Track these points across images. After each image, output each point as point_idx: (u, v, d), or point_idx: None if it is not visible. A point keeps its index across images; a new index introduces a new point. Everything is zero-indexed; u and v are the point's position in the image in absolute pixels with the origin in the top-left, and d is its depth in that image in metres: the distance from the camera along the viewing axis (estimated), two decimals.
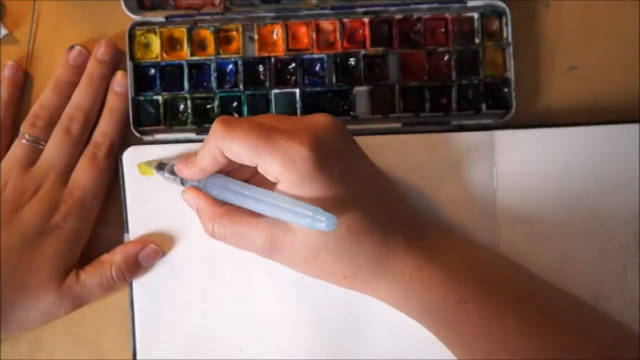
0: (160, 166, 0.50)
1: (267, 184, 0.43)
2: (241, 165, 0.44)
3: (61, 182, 0.51)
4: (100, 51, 0.53)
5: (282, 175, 0.41)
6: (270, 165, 0.41)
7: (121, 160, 0.52)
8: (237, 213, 0.45)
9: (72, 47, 0.54)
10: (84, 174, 0.51)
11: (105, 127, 0.53)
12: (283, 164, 0.41)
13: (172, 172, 0.49)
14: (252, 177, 0.47)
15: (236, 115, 0.53)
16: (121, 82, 0.53)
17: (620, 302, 0.50)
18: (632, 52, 0.55)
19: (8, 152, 0.52)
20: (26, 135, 0.52)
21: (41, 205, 0.50)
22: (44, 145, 0.52)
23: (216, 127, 0.42)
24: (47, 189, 0.51)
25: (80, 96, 0.53)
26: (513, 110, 0.52)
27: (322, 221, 0.39)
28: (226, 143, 0.42)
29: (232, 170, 0.47)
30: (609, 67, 0.55)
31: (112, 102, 0.53)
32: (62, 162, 0.51)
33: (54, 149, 0.51)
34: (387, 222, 0.44)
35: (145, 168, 0.52)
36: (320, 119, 0.44)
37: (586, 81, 0.55)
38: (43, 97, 0.53)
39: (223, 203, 0.46)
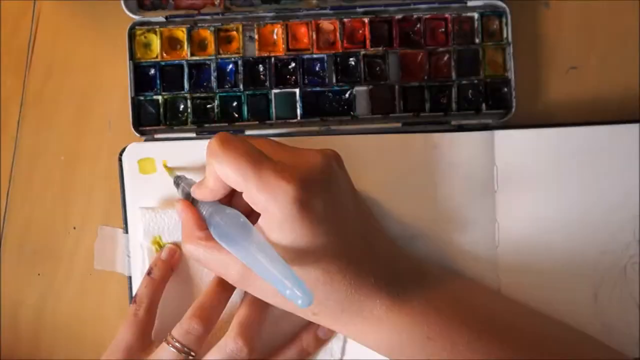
0: (177, 181, 0.49)
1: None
2: None
3: None
4: (317, 340, 0.51)
5: (265, 211, 0.41)
6: (255, 197, 0.41)
7: (121, 159, 0.52)
8: (213, 241, 0.44)
9: None
10: None
11: None
12: (268, 200, 0.41)
13: (185, 191, 0.48)
14: None
15: (236, 116, 0.54)
16: (327, 331, 0.51)
17: (620, 302, 0.50)
18: (632, 52, 0.55)
19: (152, 354, 0.47)
20: (179, 345, 0.46)
21: None
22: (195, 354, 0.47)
23: (212, 144, 0.42)
24: None
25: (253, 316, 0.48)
26: (513, 110, 0.52)
27: (299, 297, 0.39)
28: (218, 163, 0.41)
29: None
30: (609, 67, 0.55)
31: (309, 345, 0.50)
32: None
33: None
34: (362, 263, 0.44)
35: (146, 166, 0.52)
36: (314, 159, 0.43)
37: (586, 81, 0.55)
38: (205, 301, 0.48)
39: (205, 226, 0.46)
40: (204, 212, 0.45)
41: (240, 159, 0.41)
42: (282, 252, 0.41)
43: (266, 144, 0.44)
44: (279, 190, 0.40)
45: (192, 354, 0.46)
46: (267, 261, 0.40)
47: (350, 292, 0.43)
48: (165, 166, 0.51)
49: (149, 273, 0.50)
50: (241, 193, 0.42)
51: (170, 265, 0.50)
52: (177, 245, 0.51)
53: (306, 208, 0.41)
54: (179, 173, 0.50)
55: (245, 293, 0.49)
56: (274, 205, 0.41)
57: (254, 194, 0.41)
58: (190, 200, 0.47)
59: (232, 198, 0.46)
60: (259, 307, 0.48)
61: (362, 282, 0.43)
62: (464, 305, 0.46)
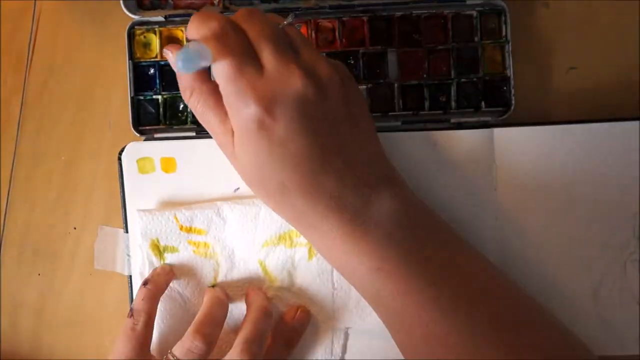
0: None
1: None
2: None
3: None
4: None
5: (231, 116, 0.43)
6: (226, 99, 0.42)
7: (120, 159, 0.52)
8: (217, 94, 0.44)
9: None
10: None
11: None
12: (233, 109, 0.42)
13: None
14: None
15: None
16: (303, 322, 0.51)
17: (619, 299, 0.50)
18: (632, 52, 0.55)
19: None
20: None
21: None
22: None
23: (211, 25, 0.42)
24: None
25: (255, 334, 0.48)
26: (512, 107, 0.52)
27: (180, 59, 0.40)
28: (210, 46, 0.41)
29: None
30: (609, 67, 0.55)
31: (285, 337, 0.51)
32: None
33: None
34: (323, 183, 0.43)
35: (145, 165, 0.52)
36: (294, 83, 0.42)
37: (586, 81, 0.55)
38: (205, 319, 0.48)
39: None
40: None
41: (228, 57, 0.41)
42: (243, 162, 0.43)
43: (267, 30, 0.43)
44: (243, 106, 0.41)
45: None
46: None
47: (305, 209, 0.43)
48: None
49: (145, 284, 0.49)
50: None
51: (167, 279, 0.51)
52: (171, 268, 0.51)
53: (264, 129, 0.41)
54: None
55: (248, 309, 0.50)
56: (237, 116, 0.42)
57: (226, 97, 0.42)
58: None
59: None
60: (263, 324, 0.48)
61: (317, 202, 0.43)
62: (427, 252, 0.45)
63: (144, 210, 0.51)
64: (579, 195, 0.51)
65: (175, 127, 0.54)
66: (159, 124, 0.54)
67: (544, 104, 0.55)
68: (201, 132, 0.53)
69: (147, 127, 0.54)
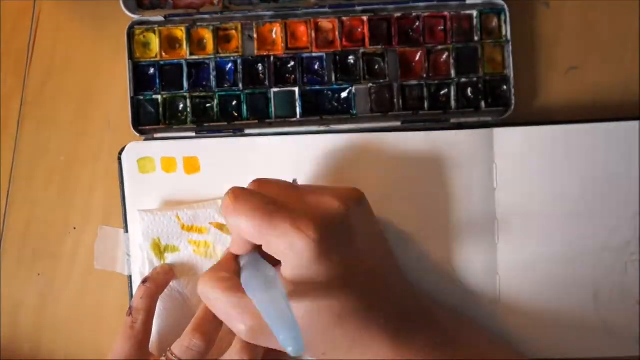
0: None
1: None
2: None
3: None
4: None
5: (283, 258, 0.42)
6: (273, 249, 0.42)
7: (120, 158, 0.52)
8: (234, 290, 0.44)
9: None
10: None
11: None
12: (285, 249, 0.41)
13: None
14: None
15: (236, 114, 0.54)
16: None
17: (620, 300, 0.50)
18: (632, 52, 0.55)
19: None
20: None
21: None
22: None
23: (225, 202, 0.42)
24: None
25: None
26: (512, 107, 0.52)
27: (289, 345, 0.38)
28: (232, 220, 0.42)
29: None
30: (609, 67, 0.55)
31: None
32: None
33: None
34: (373, 307, 0.44)
35: (146, 165, 0.52)
36: (330, 205, 0.43)
37: (586, 81, 0.55)
38: (203, 319, 0.48)
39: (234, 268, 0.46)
40: (241, 261, 0.46)
41: (254, 213, 0.41)
42: (297, 295, 0.42)
43: (280, 189, 0.44)
44: (296, 241, 0.41)
45: None
46: (275, 308, 0.39)
47: (358, 335, 0.43)
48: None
49: (144, 282, 0.50)
50: None
51: (167, 278, 0.51)
52: (171, 267, 0.51)
53: (320, 255, 0.41)
54: None
55: None
56: (293, 255, 0.41)
57: (272, 247, 0.42)
58: None
59: None
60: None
61: (371, 326, 0.43)
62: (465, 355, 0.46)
63: (145, 211, 0.51)
64: (579, 195, 0.51)
65: (175, 127, 0.54)
66: (158, 124, 0.54)
67: (544, 103, 0.54)
68: (201, 132, 0.53)
69: (147, 127, 0.54)
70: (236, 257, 0.46)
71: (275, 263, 0.43)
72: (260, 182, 0.45)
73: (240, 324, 0.43)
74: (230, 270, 0.45)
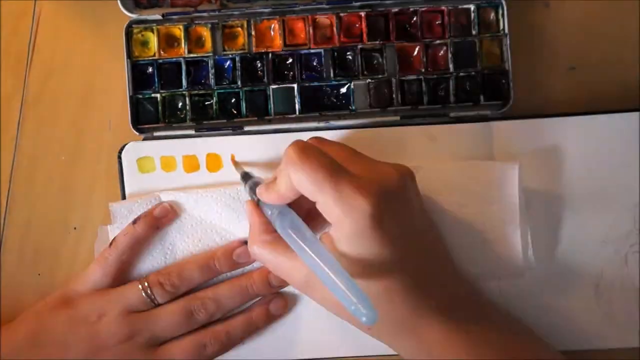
0: (245, 177, 0.50)
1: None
2: None
3: (151, 346, 0.49)
4: (266, 284, 0.51)
5: (338, 222, 0.41)
6: (329, 208, 0.41)
7: (120, 157, 0.52)
8: (281, 246, 0.44)
9: (245, 244, 0.51)
10: (177, 357, 0.49)
11: (233, 332, 0.51)
12: (343, 212, 0.40)
13: (252, 190, 0.47)
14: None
15: (234, 112, 0.54)
16: (279, 307, 0.52)
17: (621, 291, 0.50)
18: (632, 52, 0.55)
19: (121, 286, 0.50)
20: (149, 290, 0.49)
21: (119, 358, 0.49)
22: (158, 304, 0.50)
23: (289, 152, 0.42)
24: (135, 346, 0.49)
25: (226, 295, 0.50)
26: (511, 101, 0.52)
27: (363, 314, 0.38)
28: (295, 172, 0.41)
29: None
30: (609, 67, 0.55)
31: (258, 317, 0.51)
32: (166, 335, 0.49)
33: (167, 322, 0.49)
34: (425, 285, 0.43)
35: (146, 165, 0.52)
36: (390, 175, 0.43)
37: (586, 81, 0.55)
38: (187, 269, 0.50)
39: (273, 230, 0.45)
40: (270, 213, 0.45)
41: (319, 170, 0.41)
42: (348, 264, 0.41)
43: (342, 152, 0.44)
44: (355, 204, 0.40)
45: (156, 302, 0.49)
46: (333, 273, 0.40)
47: (408, 314, 0.43)
48: (233, 160, 0.52)
49: (134, 222, 0.50)
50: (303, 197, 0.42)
51: (157, 223, 0.51)
52: (171, 206, 0.51)
53: (379, 225, 0.41)
54: (246, 169, 0.51)
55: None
56: (348, 218, 0.40)
57: (329, 206, 0.41)
58: (255, 199, 0.47)
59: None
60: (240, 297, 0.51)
61: (423, 305, 0.43)
62: (511, 346, 0.46)
63: (117, 203, 0.52)
64: (579, 187, 0.50)
65: (174, 125, 0.54)
66: (158, 122, 0.54)
67: (544, 103, 0.54)
68: (200, 130, 0.53)
69: (147, 126, 0.54)
70: (263, 215, 0.46)
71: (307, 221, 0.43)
72: (320, 140, 0.45)
73: (291, 280, 0.45)
74: (270, 231, 0.45)
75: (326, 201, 0.41)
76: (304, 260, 0.42)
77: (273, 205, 0.45)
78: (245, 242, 0.50)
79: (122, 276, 0.51)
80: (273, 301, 0.51)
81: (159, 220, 0.51)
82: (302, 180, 0.41)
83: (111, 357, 0.48)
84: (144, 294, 0.49)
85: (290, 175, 0.42)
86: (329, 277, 0.39)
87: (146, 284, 0.49)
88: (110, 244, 0.50)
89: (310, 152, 0.41)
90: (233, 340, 0.50)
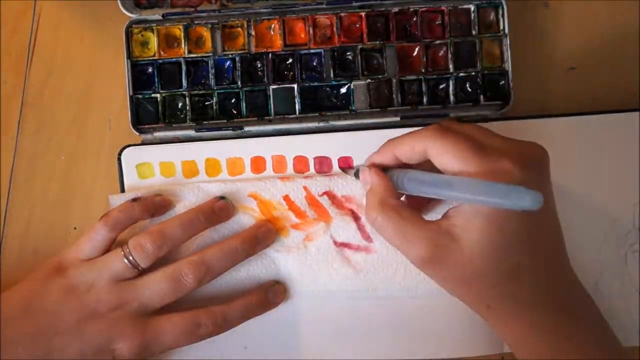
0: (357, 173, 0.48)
1: None
2: None
3: (142, 315, 0.49)
4: (256, 234, 0.51)
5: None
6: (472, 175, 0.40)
7: (120, 160, 0.52)
8: (408, 211, 0.42)
9: (221, 198, 0.51)
10: (169, 332, 0.49)
11: (229, 315, 0.50)
12: (488, 178, 0.39)
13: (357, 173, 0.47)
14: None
15: (234, 112, 0.54)
16: (278, 293, 0.52)
17: (620, 290, 0.50)
18: (632, 52, 0.55)
19: (106, 254, 0.50)
20: (130, 257, 0.48)
21: (108, 328, 0.48)
22: (142, 270, 0.49)
23: (431, 129, 0.41)
24: (125, 316, 0.48)
25: (214, 257, 0.49)
26: (511, 101, 0.52)
27: (526, 200, 0.36)
28: (435, 147, 0.41)
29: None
30: (609, 67, 0.55)
31: (257, 302, 0.51)
32: (154, 303, 0.49)
33: (153, 289, 0.49)
34: (550, 269, 0.42)
35: (145, 171, 0.52)
36: (536, 146, 0.42)
37: (586, 81, 0.55)
38: (169, 226, 0.49)
39: (399, 195, 0.44)
40: (394, 178, 0.44)
41: (462, 143, 0.40)
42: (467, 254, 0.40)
43: (480, 130, 0.43)
44: (504, 168, 0.39)
45: (140, 267, 0.49)
46: (479, 190, 0.38)
47: (530, 296, 0.41)
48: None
49: (134, 200, 0.51)
50: None
51: (154, 210, 0.51)
52: (171, 200, 0.52)
53: None
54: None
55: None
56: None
57: (472, 173, 0.40)
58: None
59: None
60: (228, 258, 0.50)
61: (545, 290, 0.42)
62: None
63: (117, 195, 0.52)
64: (579, 187, 0.51)
65: (174, 125, 0.54)
66: (158, 123, 0.54)
67: (544, 103, 0.54)
68: (200, 130, 0.53)
69: (147, 126, 0.54)
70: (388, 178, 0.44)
71: None
72: (453, 122, 0.45)
73: (413, 251, 0.42)
74: (395, 196, 0.43)
75: (470, 171, 0.40)
76: (446, 195, 0.40)
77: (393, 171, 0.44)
78: (221, 198, 0.51)
79: (108, 248, 0.50)
80: (272, 288, 0.51)
81: (157, 207, 0.51)
82: (443, 155, 0.40)
83: (102, 326, 0.48)
84: (125, 260, 0.48)
85: (430, 149, 0.41)
86: (479, 193, 0.38)
87: (128, 249, 0.48)
88: (103, 216, 0.50)
89: (451, 128, 0.41)
90: (228, 322, 0.50)
